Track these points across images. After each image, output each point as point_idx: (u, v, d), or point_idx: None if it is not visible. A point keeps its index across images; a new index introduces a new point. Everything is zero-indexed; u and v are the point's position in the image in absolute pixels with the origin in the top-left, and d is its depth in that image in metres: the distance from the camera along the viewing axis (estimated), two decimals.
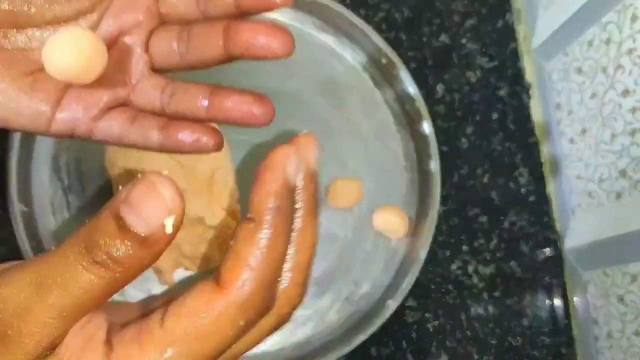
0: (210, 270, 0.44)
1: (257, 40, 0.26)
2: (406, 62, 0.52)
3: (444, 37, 0.54)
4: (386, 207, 0.48)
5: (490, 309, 0.50)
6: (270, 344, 0.45)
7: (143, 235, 0.18)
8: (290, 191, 0.21)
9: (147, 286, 0.44)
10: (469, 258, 0.50)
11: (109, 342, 0.20)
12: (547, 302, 0.51)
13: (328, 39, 0.50)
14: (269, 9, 0.26)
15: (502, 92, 0.54)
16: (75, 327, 0.20)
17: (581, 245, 0.49)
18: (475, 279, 0.50)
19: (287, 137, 0.53)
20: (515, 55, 0.54)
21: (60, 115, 0.27)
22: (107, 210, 0.19)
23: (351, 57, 0.50)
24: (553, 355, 0.50)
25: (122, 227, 0.18)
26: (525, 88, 0.54)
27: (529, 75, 0.54)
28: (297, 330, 0.45)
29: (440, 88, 0.53)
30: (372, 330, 0.44)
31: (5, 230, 0.45)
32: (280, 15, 0.49)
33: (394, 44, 0.52)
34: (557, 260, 0.51)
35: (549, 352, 0.50)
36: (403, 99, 0.49)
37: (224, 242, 0.44)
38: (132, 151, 0.44)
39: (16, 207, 0.42)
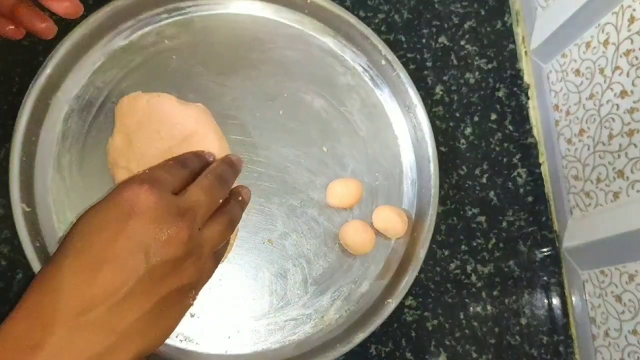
0: None
1: None
2: (405, 64, 0.52)
3: (443, 39, 0.54)
4: (386, 207, 0.48)
5: (489, 308, 0.50)
6: (270, 342, 0.45)
7: None
8: None
9: None
10: (467, 257, 0.51)
11: None
12: (545, 301, 0.51)
13: (328, 41, 0.50)
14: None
15: (501, 93, 0.54)
16: None
17: (579, 244, 0.50)
18: (473, 278, 0.50)
19: (287, 138, 0.53)
20: (513, 57, 0.55)
21: None
22: None
23: (351, 58, 0.50)
24: (551, 353, 0.50)
25: None
26: (524, 89, 0.54)
27: (527, 77, 0.55)
28: (298, 329, 0.45)
29: (439, 89, 0.53)
30: (371, 329, 0.44)
31: (8, 229, 0.45)
32: (281, 17, 0.50)
33: (394, 45, 0.52)
34: (555, 259, 0.52)
35: (547, 351, 0.50)
36: (402, 100, 0.49)
37: None
38: (134, 152, 0.44)
39: (19, 207, 0.43)
